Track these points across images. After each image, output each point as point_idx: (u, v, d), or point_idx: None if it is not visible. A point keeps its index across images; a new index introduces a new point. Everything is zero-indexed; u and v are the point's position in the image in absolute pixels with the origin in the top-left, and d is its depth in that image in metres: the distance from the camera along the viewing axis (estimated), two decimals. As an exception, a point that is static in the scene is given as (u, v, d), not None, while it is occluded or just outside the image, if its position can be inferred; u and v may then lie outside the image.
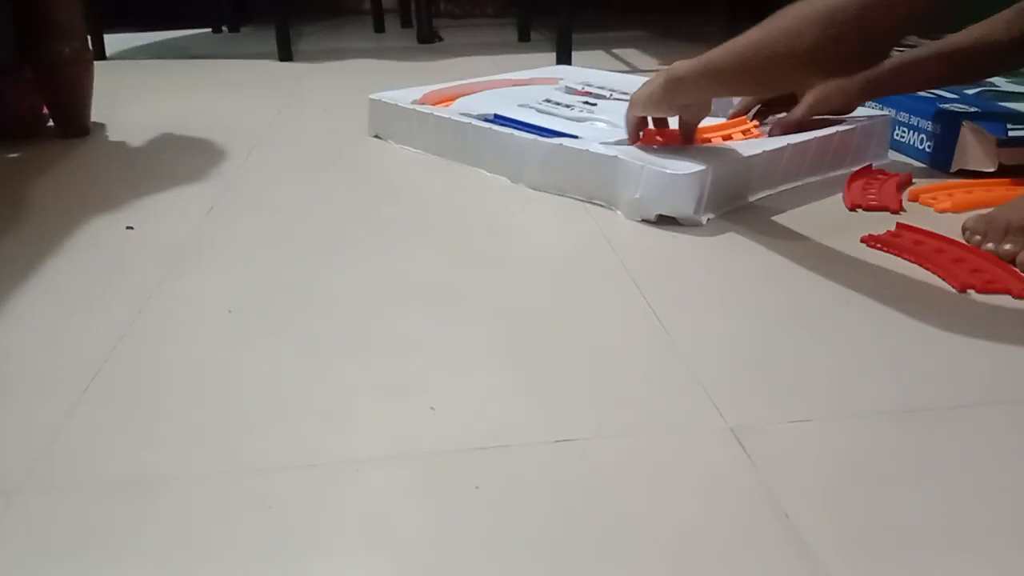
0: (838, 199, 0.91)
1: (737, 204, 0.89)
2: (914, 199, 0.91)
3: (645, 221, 0.85)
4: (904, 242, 0.77)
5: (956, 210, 0.86)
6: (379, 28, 2.45)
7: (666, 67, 0.85)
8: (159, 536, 0.43)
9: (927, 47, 0.97)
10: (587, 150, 0.90)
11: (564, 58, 1.74)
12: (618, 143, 0.92)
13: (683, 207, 0.83)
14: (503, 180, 0.99)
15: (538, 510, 0.44)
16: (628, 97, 1.11)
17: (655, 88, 0.85)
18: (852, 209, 0.88)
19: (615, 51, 2.00)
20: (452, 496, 0.46)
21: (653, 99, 0.86)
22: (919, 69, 0.96)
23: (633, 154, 0.87)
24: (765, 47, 0.71)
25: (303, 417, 0.53)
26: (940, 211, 0.87)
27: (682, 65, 0.82)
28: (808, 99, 1.00)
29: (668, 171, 0.83)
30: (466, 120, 1.04)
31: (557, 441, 0.50)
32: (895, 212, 0.86)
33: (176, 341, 0.63)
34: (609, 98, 1.12)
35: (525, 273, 0.74)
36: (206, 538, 0.43)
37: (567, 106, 1.06)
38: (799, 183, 0.96)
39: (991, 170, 0.95)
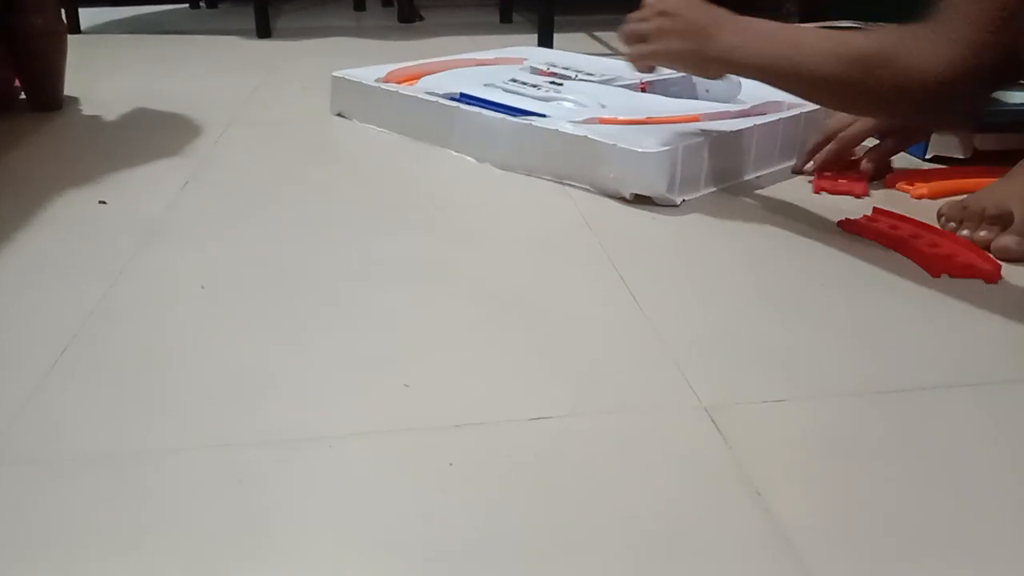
0: (806, 184, 0.92)
1: (717, 185, 0.89)
2: (891, 185, 0.91)
3: (620, 200, 0.85)
4: (880, 227, 0.77)
5: (933, 196, 0.87)
6: (359, 7, 2.42)
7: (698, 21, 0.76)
8: (126, 511, 0.42)
9: None
10: (557, 129, 0.90)
11: (546, 40, 1.73)
12: (586, 122, 0.92)
13: (656, 186, 0.83)
14: (469, 159, 0.99)
15: (512, 487, 0.44)
16: (593, 78, 1.12)
17: (687, 55, 0.78)
18: (817, 192, 0.89)
19: (597, 34, 1.99)
20: (426, 473, 0.45)
21: (677, 64, 0.81)
22: None
23: (603, 133, 0.87)
24: (882, 60, 0.63)
25: (275, 393, 0.53)
26: (917, 197, 0.88)
27: (736, 45, 0.74)
28: (885, 146, 0.93)
29: (639, 149, 0.83)
30: (432, 99, 1.03)
31: (532, 419, 0.50)
32: (859, 197, 0.87)
33: (147, 316, 0.62)
34: (575, 78, 1.12)
35: (500, 252, 0.74)
36: (175, 513, 0.42)
37: (533, 86, 1.06)
38: (778, 167, 0.96)
39: (966, 157, 0.95)
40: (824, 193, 0.88)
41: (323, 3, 2.57)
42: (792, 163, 0.97)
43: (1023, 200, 0.75)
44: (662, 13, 0.80)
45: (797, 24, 0.85)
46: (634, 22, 0.83)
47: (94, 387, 0.53)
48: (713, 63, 0.77)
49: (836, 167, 0.93)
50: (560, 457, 0.47)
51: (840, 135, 0.93)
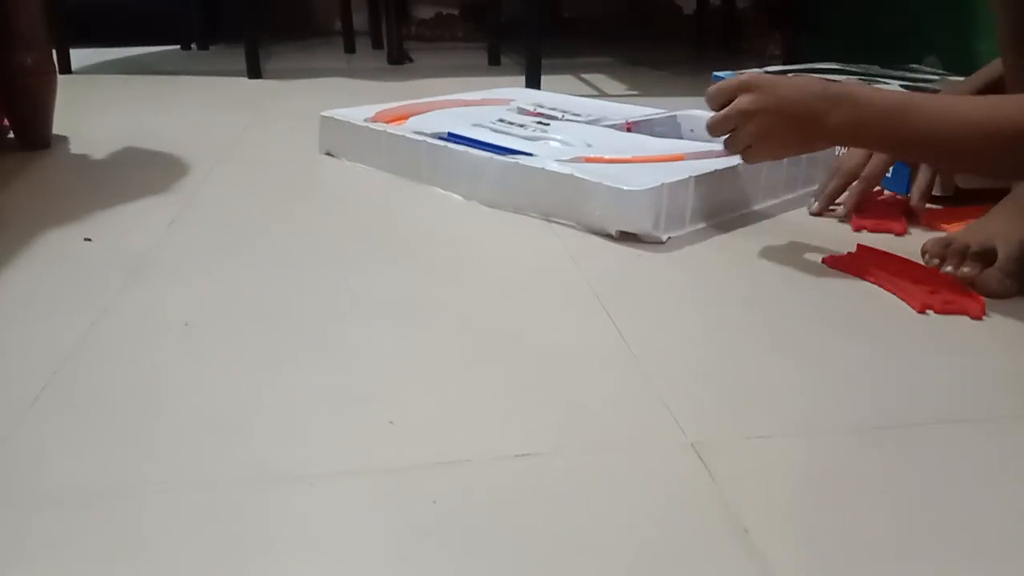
0: (800, 218, 0.92)
1: (703, 223, 0.90)
2: (930, 226, 0.91)
3: (607, 237, 0.85)
4: (864, 263, 0.78)
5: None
6: (350, 49, 2.44)
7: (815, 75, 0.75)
8: (103, 549, 0.41)
9: (969, 81, 0.93)
10: (544, 168, 0.91)
11: (533, 82, 1.75)
12: (572, 161, 0.92)
13: (642, 223, 0.84)
14: (457, 197, 0.99)
15: (497, 525, 0.44)
16: (580, 118, 1.13)
17: (802, 146, 0.76)
18: (858, 230, 0.89)
19: (584, 76, 2.02)
20: (409, 511, 0.45)
21: (804, 151, 0.79)
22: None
23: (589, 171, 0.88)
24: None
25: (258, 431, 0.52)
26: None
27: (854, 124, 0.71)
28: (924, 180, 0.91)
29: (625, 187, 0.83)
30: (420, 138, 1.04)
31: (517, 455, 0.50)
32: (899, 235, 0.87)
33: (130, 353, 0.62)
34: (561, 119, 1.13)
35: (486, 289, 0.74)
36: (152, 551, 0.41)
37: (520, 125, 1.07)
38: (763, 205, 0.97)
39: (948, 195, 0.96)
40: (864, 231, 0.88)
41: (314, 45, 2.60)
42: (776, 200, 0.97)
43: (1006, 237, 0.76)
44: (750, 115, 0.74)
45: (910, 92, 0.82)
46: (723, 121, 0.77)
47: (75, 423, 0.52)
48: (828, 143, 0.77)
49: (868, 205, 0.93)
50: (545, 494, 0.46)
51: (864, 175, 0.92)
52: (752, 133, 0.75)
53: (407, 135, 1.06)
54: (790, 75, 0.77)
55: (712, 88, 0.78)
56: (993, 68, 0.89)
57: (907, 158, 0.72)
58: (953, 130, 0.68)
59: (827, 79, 0.78)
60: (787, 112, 0.73)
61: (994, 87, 0.86)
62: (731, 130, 0.77)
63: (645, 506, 0.45)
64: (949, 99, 0.73)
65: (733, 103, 0.76)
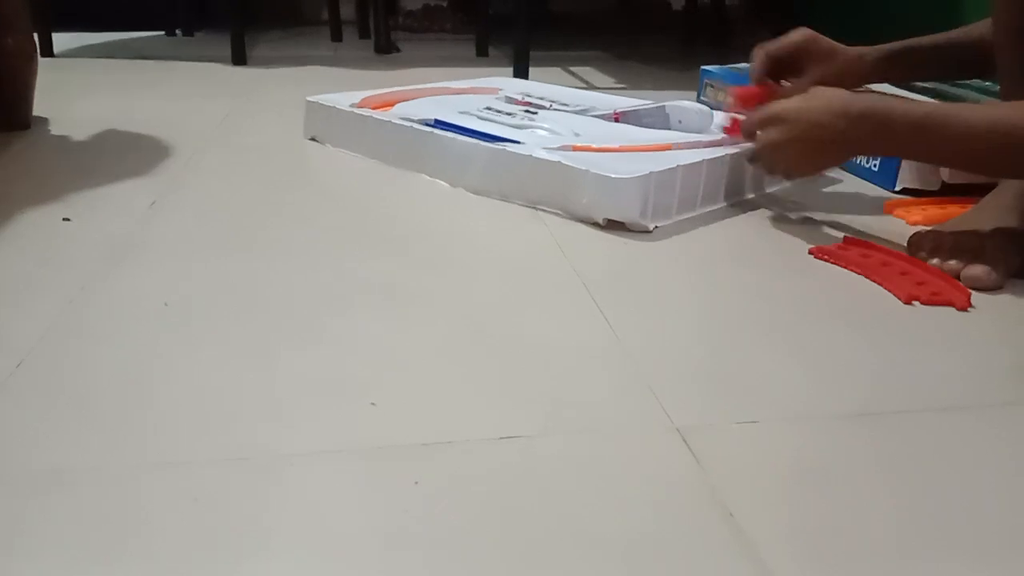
0: (788, 208, 0.92)
1: (690, 212, 0.89)
2: (888, 212, 0.92)
3: (594, 226, 0.85)
4: (851, 255, 0.78)
5: (927, 223, 0.87)
6: (336, 37, 2.43)
7: (837, 91, 0.77)
8: (81, 529, 0.40)
9: (931, 37, 0.94)
10: (531, 155, 0.90)
11: (521, 74, 1.74)
12: (560, 149, 0.92)
13: (629, 212, 0.83)
14: (443, 184, 0.98)
15: (479, 507, 0.43)
16: (568, 107, 1.12)
17: (835, 163, 0.81)
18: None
19: (573, 69, 2.01)
20: (390, 491, 0.44)
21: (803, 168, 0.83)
22: (918, 56, 0.94)
23: (577, 159, 0.87)
24: None
25: (237, 411, 0.51)
26: (912, 223, 0.88)
27: (893, 108, 0.74)
28: (816, 74, 0.92)
29: (612, 175, 0.83)
30: (406, 124, 1.03)
31: (501, 438, 0.49)
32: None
33: (107, 333, 0.60)
34: (549, 108, 1.12)
35: (472, 275, 0.73)
36: (127, 531, 0.40)
37: (508, 114, 1.06)
38: (749, 195, 0.96)
39: (935, 189, 0.96)
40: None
41: (300, 33, 2.57)
42: (764, 192, 0.97)
43: (992, 231, 0.76)
44: (780, 146, 0.81)
45: (936, 102, 0.87)
46: (756, 157, 0.84)
47: (50, 403, 0.51)
48: (857, 155, 0.82)
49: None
50: (529, 477, 0.46)
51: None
52: (786, 160, 0.82)
53: (393, 121, 1.05)
54: (814, 90, 0.80)
55: (744, 123, 0.86)
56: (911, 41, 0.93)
57: (935, 163, 0.76)
58: (978, 137, 0.71)
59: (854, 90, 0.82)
60: (815, 137, 0.78)
61: (902, 55, 0.92)
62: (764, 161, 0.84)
63: (630, 490, 0.45)
64: (973, 107, 0.77)
65: (761, 137, 0.83)
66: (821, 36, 0.95)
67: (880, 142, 0.78)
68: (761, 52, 0.95)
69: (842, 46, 0.94)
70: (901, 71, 0.98)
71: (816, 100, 0.78)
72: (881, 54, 0.93)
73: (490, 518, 0.42)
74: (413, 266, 0.74)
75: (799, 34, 0.94)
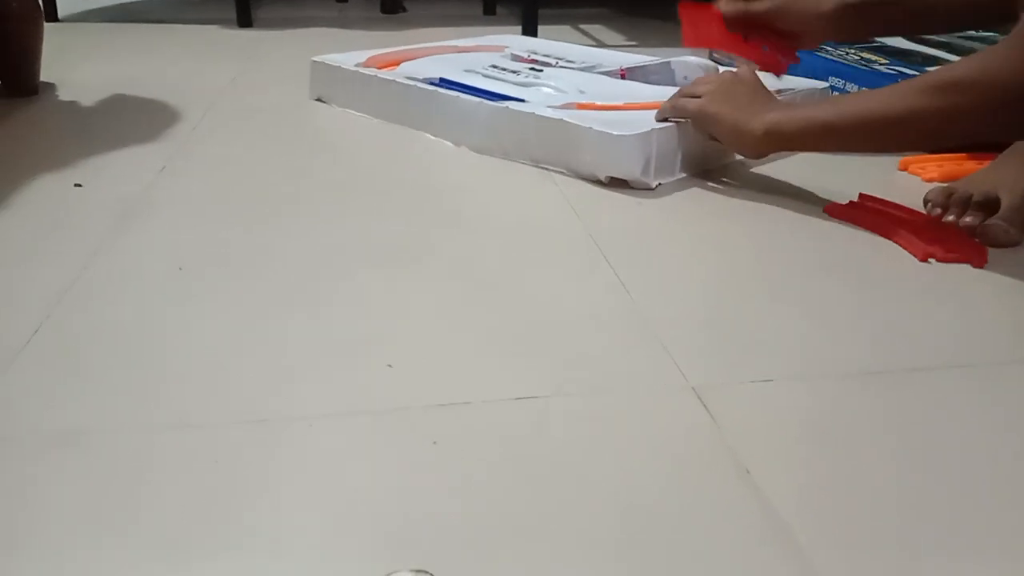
0: (798, 165, 0.91)
1: (694, 170, 0.89)
2: (904, 168, 0.91)
3: (599, 184, 0.84)
4: (866, 212, 0.77)
5: (943, 180, 0.86)
6: (342, -2, 2.40)
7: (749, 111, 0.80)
8: (99, 490, 0.41)
9: None
10: (534, 113, 0.89)
11: (530, 33, 1.71)
12: (564, 107, 0.91)
13: (631, 169, 0.83)
14: (447, 144, 0.98)
15: (498, 466, 0.43)
16: (573, 65, 1.11)
17: (727, 122, 0.81)
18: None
19: (582, 26, 1.99)
20: (409, 451, 0.44)
21: (719, 128, 0.83)
22: (890, 10, 0.88)
23: (580, 117, 0.86)
24: (967, 83, 0.66)
25: (254, 373, 0.51)
26: (928, 180, 0.88)
27: (781, 119, 0.77)
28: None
29: (614, 133, 0.82)
30: (411, 83, 1.02)
31: (517, 398, 0.49)
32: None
33: (123, 297, 0.61)
34: (555, 65, 1.11)
35: (484, 234, 0.73)
36: (148, 491, 0.41)
37: (513, 72, 1.05)
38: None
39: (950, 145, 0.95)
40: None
41: (305, -5, 2.54)
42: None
43: (1010, 187, 0.75)
44: (714, 89, 0.84)
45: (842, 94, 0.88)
46: (685, 96, 0.86)
47: (68, 367, 0.52)
48: (754, 134, 0.79)
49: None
50: (546, 437, 0.46)
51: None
52: (707, 90, 0.84)
53: (398, 80, 1.04)
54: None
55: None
56: None
57: (843, 141, 0.76)
58: (883, 103, 0.71)
59: None
60: (743, 91, 0.83)
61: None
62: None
63: (647, 448, 0.45)
64: (867, 91, 0.78)
65: (708, 81, 0.86)
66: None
67: (785, 118, 0.78)
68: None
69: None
70: (865, 26, 0.92)
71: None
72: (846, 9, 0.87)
73: (508, 477, 0.42)
74: (421, 225, 0.74)
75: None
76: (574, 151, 0.86)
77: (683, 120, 0.85)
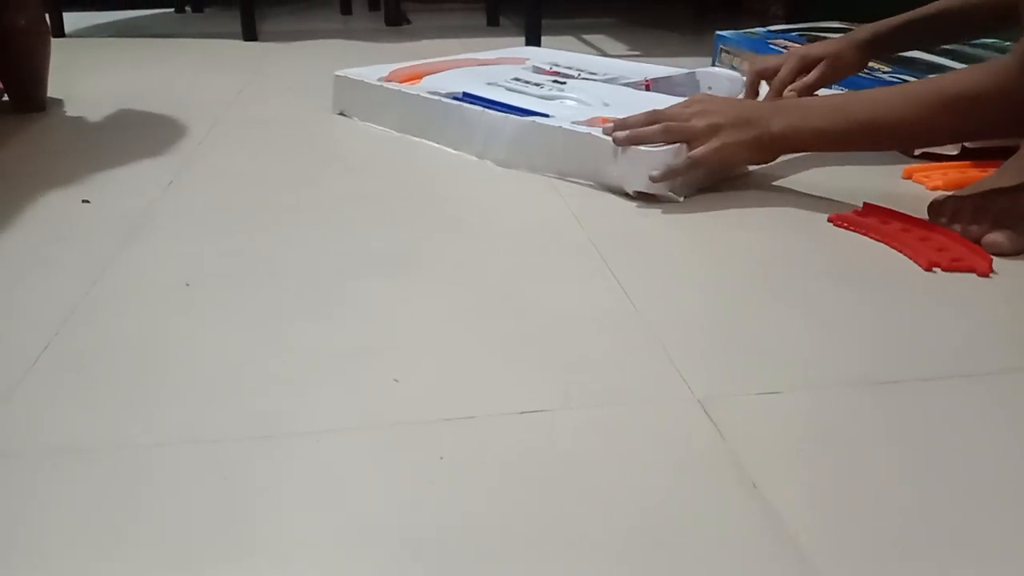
0: (810, 177, 0.91)
1: (719, 179, 0.89)
2: (907, 177, 0.92)
3: (622, 196, 0.85)
4: (870, 221, 0.77)
5: (947, 188, 0.86)
6: (346, 10, 2.41)
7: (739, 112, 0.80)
8: (108, 505, 0.41)
9: (922, 8, 0.96)
10: (562, 127, 0.89)
11: (533, 43, 1.72)
12: (589, 121, 0.91)
13: (660, 184, 0.83)
14: (470, 157, 0.98)
15: (504, 480, 0.44)
16: (596, 76, 1.11)
17: (740, 144, 0.81)
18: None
19: (585, 37, 1.99)
20: (416, 467, 0.44)
21: (739, 155, 0.83)
22: (913, 29, 0.95)
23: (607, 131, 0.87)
24: (973, 99, 0.69)
25: (261, 388, 0.52)
26: (932, 188, 0.88)
27: (789, 132, 0.79)
28: (823, 67, 0.96)
29: (643, 148, 0.82)
30: (434, 97, 1.03)
31: (523, 412, 0.49)
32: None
33: (131, 312, 0.61)
34: (578, 77, 1.11)
35: (492, 246, 0.73)
36: (156, 506, 0.41)
37: (536, 84, 1.06)
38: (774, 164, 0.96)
39: (954, 154, 0.95)
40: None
41: (309, 7, 2.56)
42: (787, 158, 0.96)
43: (1014, 195, 0.75)
44: (704, 112, 0.83)
45: (844, 92, 0.89)
46: (673, 121, 0.83)
47: (77, 382, 0.52)
48: (776, 144, 0.81)
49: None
50: (552, 450, 0.46)
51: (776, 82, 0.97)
52: (702, 128, 0.82)
53: (421, 94, 1.05)
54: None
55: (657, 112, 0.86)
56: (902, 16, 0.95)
57: (854, 145, 0.78)
58: (893, 111, 0.74)
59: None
60: (735, 112, 0.81)
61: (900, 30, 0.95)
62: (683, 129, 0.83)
63: (654, 462, 0.45)
64: (876, 90, 0.79)
65: (686, 104, 0.85)
66: (811, 48, 0.98)
67: (800, 121, 0.79)
68: (753, 74, 0.99)
69: (831, 44, 0.97)
70: (901, 43, 1.00)
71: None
72: (875, 35, 0.95)
73: (514, 491, 0.43)
74: (433, 236, 0.74)
75: (792, 61, 0.97)
76: (602, 165, 0.86)
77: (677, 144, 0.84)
